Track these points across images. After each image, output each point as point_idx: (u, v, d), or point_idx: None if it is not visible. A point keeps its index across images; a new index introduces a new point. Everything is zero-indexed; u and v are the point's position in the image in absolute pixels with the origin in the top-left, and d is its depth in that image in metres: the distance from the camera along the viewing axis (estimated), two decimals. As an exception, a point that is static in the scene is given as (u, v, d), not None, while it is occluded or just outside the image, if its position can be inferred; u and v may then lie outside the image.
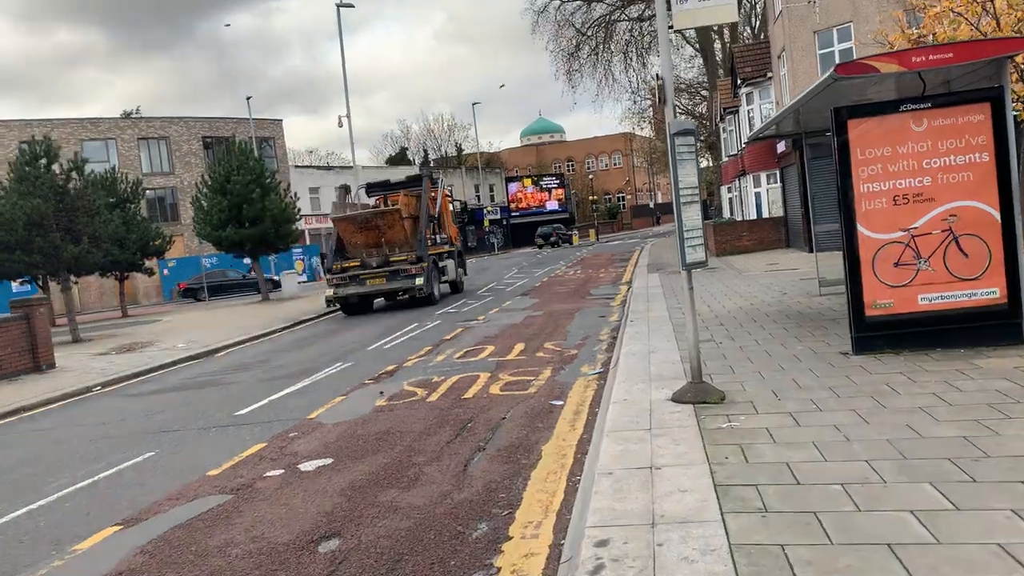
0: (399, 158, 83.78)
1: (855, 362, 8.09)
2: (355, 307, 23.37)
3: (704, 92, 55.99)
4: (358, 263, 22.89)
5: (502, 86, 72.32)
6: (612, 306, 18.22)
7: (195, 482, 6.99)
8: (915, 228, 8.25)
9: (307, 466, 7.09)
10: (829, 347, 9.06)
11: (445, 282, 25.42)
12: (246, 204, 33.21)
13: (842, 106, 8.39)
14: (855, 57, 20.88)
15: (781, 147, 28.14)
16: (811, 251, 26.04)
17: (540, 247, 51.74)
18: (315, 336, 18.74)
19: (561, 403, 8.53)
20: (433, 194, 25.56)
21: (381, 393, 10.18)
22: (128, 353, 18.99)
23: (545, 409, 8.33)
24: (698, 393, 6.90)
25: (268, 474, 6.97)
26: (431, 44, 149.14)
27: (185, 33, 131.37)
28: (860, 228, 8.33)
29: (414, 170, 69.90)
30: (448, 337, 15.37)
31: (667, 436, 5.95)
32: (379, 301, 24.97)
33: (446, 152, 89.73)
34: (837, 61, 24.32)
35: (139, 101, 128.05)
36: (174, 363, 16.57)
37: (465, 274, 28.67)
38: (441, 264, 24.83)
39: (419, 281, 22.19)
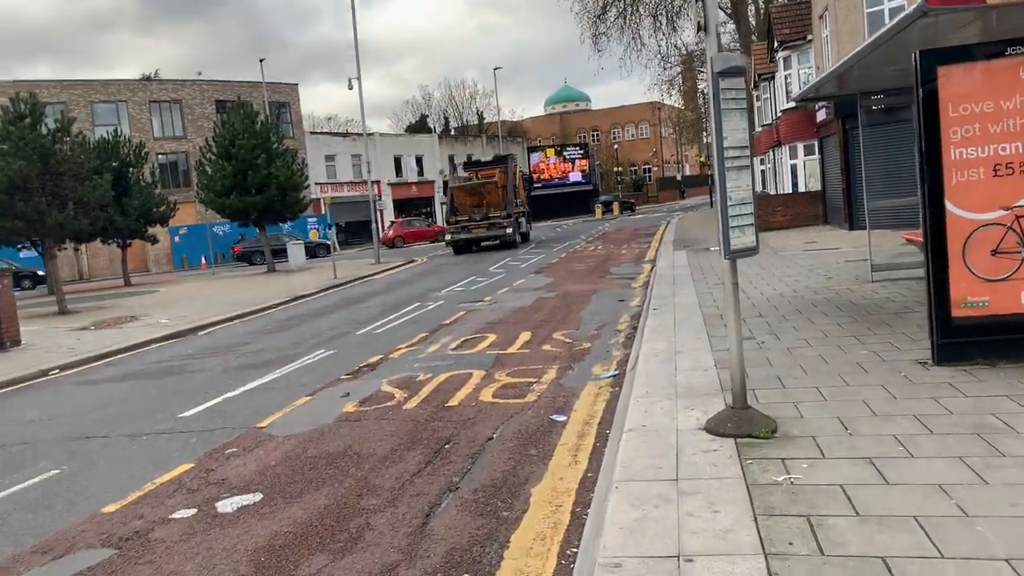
0: (419, 126, 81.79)
1: (940, 376, 6.32)
2: (463, 248, 32.49)
3: (736, 60, 53.45)
4: (467, 218, 32.09)
5: (497, 68, 69.59)
6: (633, 288, 16.46)
7: (81, 524, 5.41)
8: (1021, 207, 6.43)
9: (227, 505, 5.47)
10: (900, 352, 7.28)
11: (522, 232, 34.89)
12: (251, 170, 31.64)
13: (932, 48, 6.54)
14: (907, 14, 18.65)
15: (821, 115, 25.99)
16: (851, 228, 24.09)
17: (603, 214, 57.63)
18: (307, 315, 17.17)
19: (564, 418, 6.84)
20: (513, 171, 34.43)
21: (347, 395, 8.54)
22: (107, 329, 17.55)
23: (543, 427, 6.65)
24: (742, 424, 5.18)
25: (175, 515, 5.37)
26: (461, 10, 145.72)
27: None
28: (949, 206, 6.52)
29: (433, 138, 68.19)
30: (447, 322, 13.71)
31: (701, 495, 4.24)
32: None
33: (467, 120, 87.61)
34: (887, 20, 22.14)
35: (169, 65, 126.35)
36: (148, 343, 15.07)
37: (531, 227, 39.07)
38: (520, 220, 33.91)
39: (509, 231, 31.80)
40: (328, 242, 48.23)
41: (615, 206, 63.62)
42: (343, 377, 9.61)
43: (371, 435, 6.84)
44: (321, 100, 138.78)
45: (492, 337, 11.59)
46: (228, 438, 7.26)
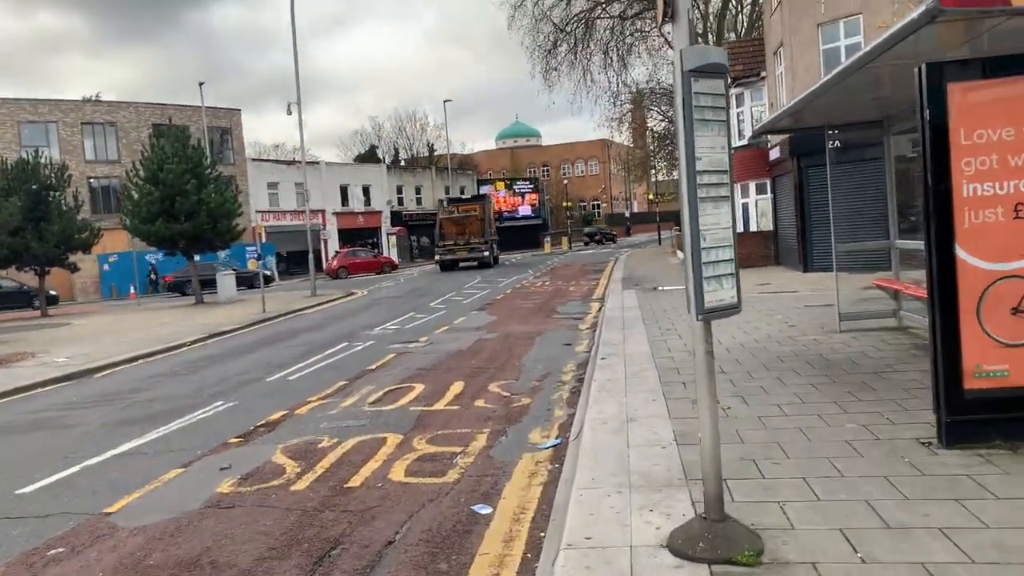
0: (368, 156, 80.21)
1: (953, 464, 5.09)
2: (449, 267, 40.74)
3: (686, 98, 53.13)
4: (452, 243, 41.00)
5: (447, 101, 69.18)
6: (581, 330, 15.19)
7: None
8: (1048, 256, 5.29)
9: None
10: (895, 427, 6.05)
11: (495, 255, 42.95)
12: (180, 196, 29.76)
13: (942, 61, 5.40)
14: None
15: (775, 154, 25.32)
16: (806, 270, 23.29)
17: (587, 244, 64.03)
18: (221, 355, 15.48)
19: (489, 511, 5.42)
20: (489, 207, 44.45)
21: (228, 467, 7.00)
22: (-8, 368, 15.62)
23: (462, 523, 5.23)
24: (718, 543, 3.84)
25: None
26: (420, 43, 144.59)
27: (171, 22, 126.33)
28: (960, 253, 5.35)
29: (381, 168, 66.70)
30: (373, 367, 12.21)
31: None
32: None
33: (417, 152, 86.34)
34: (843, 57, 21.57)
35: (121, 89, 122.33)
36: (34, 386, 13.23)
37: (498, 254, 45.70)
38: (493, 245, 42.46)
39: (485, 253, 40.35)
40: (267, 272, 46.39)
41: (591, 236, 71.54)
42: (232, 440, 8.05)
43: (240, 532, 5.33)
44: (273, 128, 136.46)
45: (419, 388, 10.15)
46: (61, 530, 5.67)
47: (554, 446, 6.95)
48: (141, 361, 15.75)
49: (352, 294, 30.39)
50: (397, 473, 6.43)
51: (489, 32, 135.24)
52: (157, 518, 5.76)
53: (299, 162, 66.48)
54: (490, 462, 6.62)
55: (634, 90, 54.36)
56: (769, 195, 27.76)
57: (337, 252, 51.66)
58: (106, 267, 46.24)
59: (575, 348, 12.89)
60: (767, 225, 27.88)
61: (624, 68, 51.63)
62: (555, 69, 50.59)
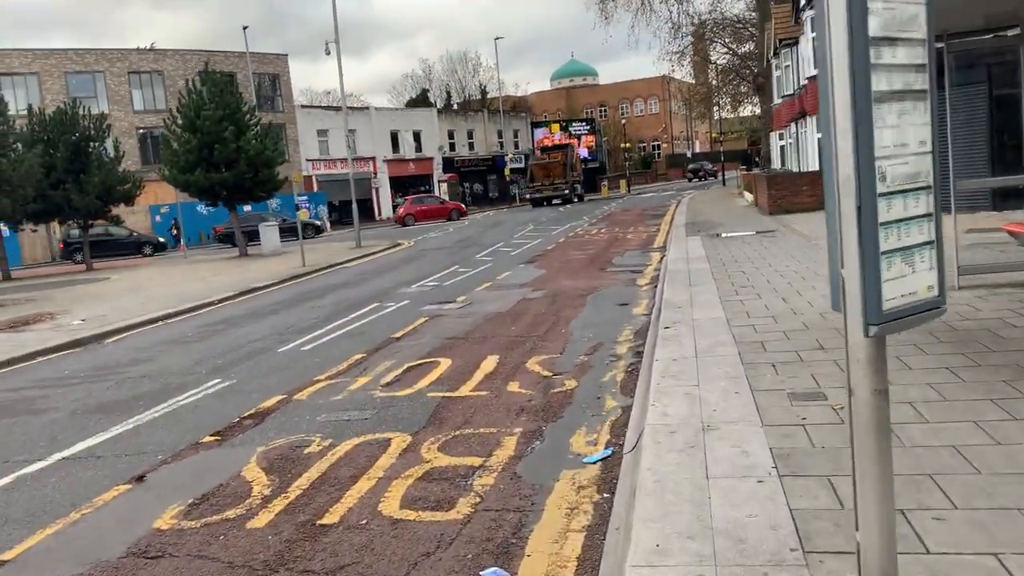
0: (420, 100, 78.17)
1: None
2: (539, 203, 49.06)
3: (752, 29, 49.57)
4: (539, 183, 49.52)
5: (499, 38, 67.00)
6: (639, 285, 13.34)
7: None
8: None
9: None
10: (1100, 448, 4.14)
11: (578, 194, 51.55)
12: (218, 144, 28.43)
13: None
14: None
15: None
16: (893, 212, 20.58)
17: (690, 180, 65.04)
18: (242, 317, 14.08)
19: (505, 578, 3.75)
20: (571, 154, 51.97)
21: (184, 486, 5.46)
22: (2, 332, 14.54)
23: (463, 603, 3.57)
24: None
25: None
26: None
27: None
28: None
29: (432, 112, 64.71)
30: (398, 334, 10.61)
31: None
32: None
33: (469, 95, 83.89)
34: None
35: (183, 40, 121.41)
36: (34, 355, 12.01)
37: (582, 192, 53.66)
38: (576, 185, 51.17)
39: (566, 191, 48.84)
40: (318, 222, 45.33)
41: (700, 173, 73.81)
42: (206, 439, 6.52)
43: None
44: (328, 76, 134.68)
45: (445, 364, 8.50)
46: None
47: (602, 459, 5.22)
48: (160, 323, 14.48)
49: (399, 244, 28.95)
50: (391, 502, 4.78)
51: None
52: (60, 573, 4.24)
53: (349, 108, 65.14)
54: (517, 485, 4.93)
55: (696, 21, 51.06)
56: (849, 129, 25.08)
57: (404, 199, 50.19)
58: (158, 218, 45.66)
59: (632, 310, 11.08)
60: (847, 162, 25.25)
61: (687, -4, 48.42)
62: (612, 0, 47.68)
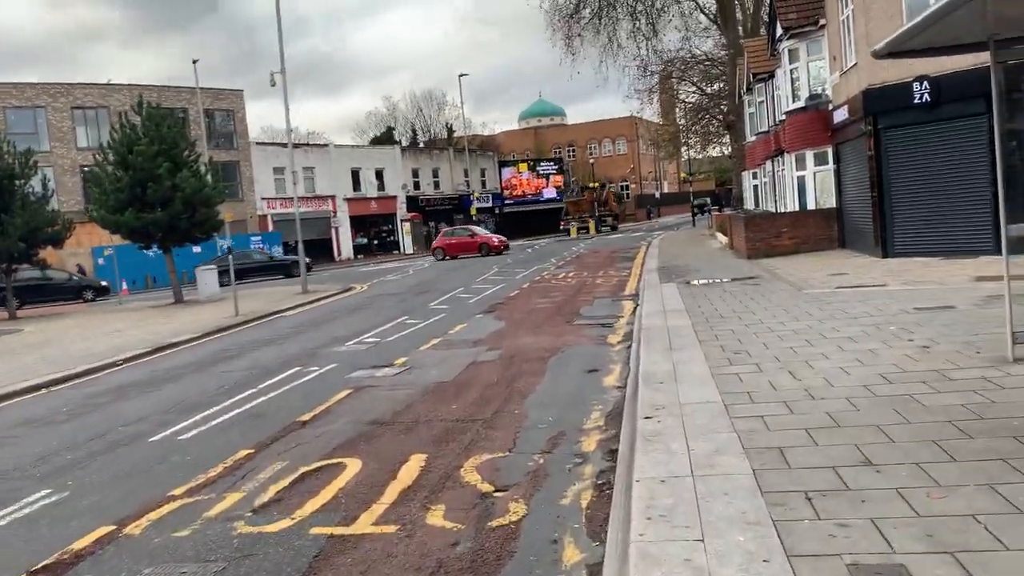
0: (385, 138, 76.36)
1: None
2: (567, 233, 57.69)
3: (721, 67, 48.43)
4: (572, 217, 59.15)
5: (463, 75, 66.45)
6: (611, 344, 11.29)
7: None
8: None
9: None
10: None
11: (609, 227, 60.76)
12: (152, 181, 26.09)
13: None
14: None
15: (840, 115, 21.00)
16: (886, 256, 19.00)
17: (694, 215, 64.47)
18: (132, 386, 11.72)
19: None
20: (603, 193, 64.36)
21: None
22: None
23: None
24: None
25: None
26: (452, 27, 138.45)
27: (208, 8, 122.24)
28: None
29: (395, 150, 62.77)
30: (306, 417, 8.37)
31: None
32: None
33: (436, 134, 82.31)
34: (933, -10, 17.20)
35: (152, 78, 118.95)
36: None
37: (618, 226, 62.54)
38: (607, 220, 61.35)
39: (592, 226, 57.76)
40: (281, 261, 43.22)
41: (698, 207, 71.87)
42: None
43: None
44: (305, 115, 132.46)
45: (352, 470, 6.29)
46: None
47: None
48: (44, 391, 12.12)
49: (350, 289, 26.72)
50: None
51: (514, 11, 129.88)
52: None
53: (306, 145, 62.96)
54: None
55: (665, 59, 49.95)
56: (831, 166, 23.43)
57: (439, 232, 49.35)
58: (100, 261, 42.76)
59: (603, 379, 9.00)
60: (829, 202, 23.59)
61: (654, 34, 47.27)
62: (578, 35, 46.43)
